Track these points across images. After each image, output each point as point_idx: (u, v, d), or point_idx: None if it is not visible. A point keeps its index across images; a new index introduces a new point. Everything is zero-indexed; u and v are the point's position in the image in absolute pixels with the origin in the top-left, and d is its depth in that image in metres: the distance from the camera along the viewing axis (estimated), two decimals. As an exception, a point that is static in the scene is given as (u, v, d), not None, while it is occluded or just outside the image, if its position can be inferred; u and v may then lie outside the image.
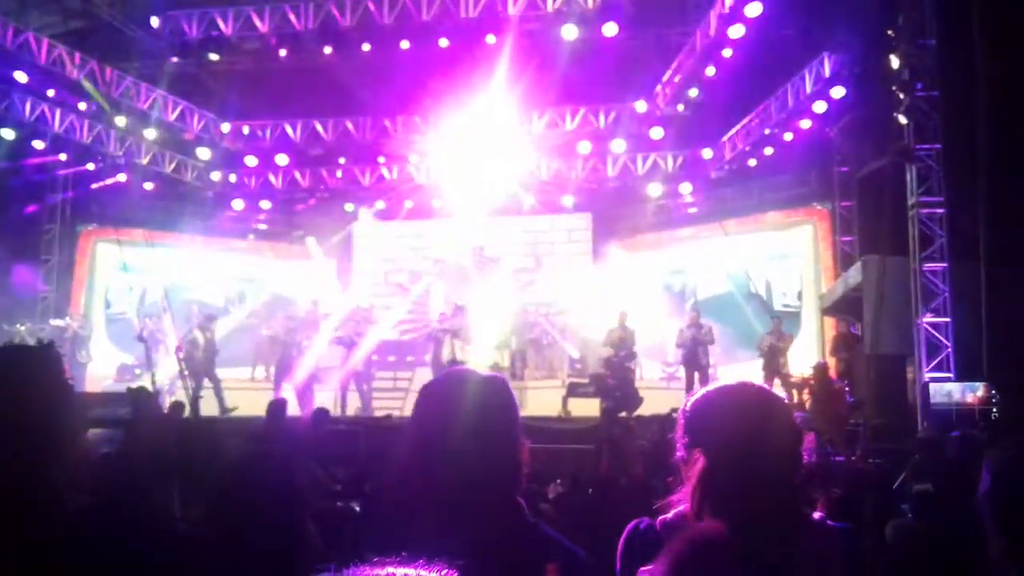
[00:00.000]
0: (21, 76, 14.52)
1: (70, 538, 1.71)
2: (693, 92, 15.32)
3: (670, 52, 15.83)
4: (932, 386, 10.93)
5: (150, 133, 16.95)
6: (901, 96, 11.66)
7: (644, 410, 12.16)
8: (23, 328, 14.30)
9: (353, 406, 14.82)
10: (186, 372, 13.44)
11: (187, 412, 10.99)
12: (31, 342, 10.46)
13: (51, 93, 15.37)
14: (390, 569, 0.77)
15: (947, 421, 9.95)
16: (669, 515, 1.85)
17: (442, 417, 1.64)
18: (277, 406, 8.76)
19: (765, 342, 14.12)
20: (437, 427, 1.63)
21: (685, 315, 14.84)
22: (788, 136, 15.17)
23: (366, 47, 15.51)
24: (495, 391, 1.72)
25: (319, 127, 18.28)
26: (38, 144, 16.00)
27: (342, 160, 19.07)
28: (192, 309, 16.67)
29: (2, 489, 1.68)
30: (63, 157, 16.72)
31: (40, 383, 1.78)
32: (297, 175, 19.43)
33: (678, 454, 1.89)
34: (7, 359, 1.85)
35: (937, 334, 11.49)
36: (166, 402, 13.06)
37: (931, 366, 11.36)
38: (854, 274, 13.14)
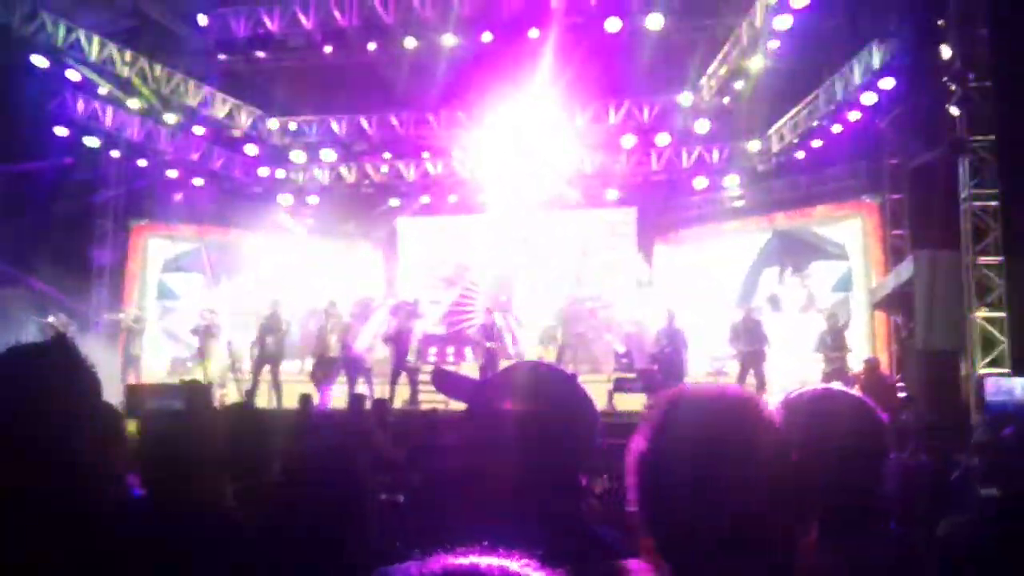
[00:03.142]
0: (73, 74, 14.82)
1: (116, 532, 1.72)
2: (739, 84, 15.17)
3: (715, 44, 15.69)
4: (989, 381, 10.72)
5: (199, 130, 17.23)
6: (953, 87, 11.43)
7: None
8: (53, 320, 14.59)
9: (400, 399, 14.91)
10: (239, 366, 13.66)
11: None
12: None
13: (103, 91, 15.67)
14: (474, 559, 0.77)
15: (1002, 417, 9.75)
16: None
17: (512, 408, 1.62)
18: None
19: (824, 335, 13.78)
20: (505, 419, 1.62)
21: (736, 310, 14.69)
22: (836, 128, 14.94)
23: (409, 42, 15.59)
24: (566, 384, 1.71)
25: (364, 122, 18.43)
26: (90, 141, 16.33)
27: (387, 155, 19.20)
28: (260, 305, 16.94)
29: (37, 488, 1.69)
30: (115, 154, 17.04)
31: (49, 379, 1.79)
32: (342, 170, 19.62)
33: None
34: (13, 358, 1.85)
35: (992, 329, 11.26)
36: (217, 395, 13.28)
37: (985, 361, 11.15)
38: (905, 269, 12.93)
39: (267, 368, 14.04)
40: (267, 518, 2.15)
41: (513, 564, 0.76)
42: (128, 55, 15.54)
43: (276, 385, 13.93)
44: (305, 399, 10.45)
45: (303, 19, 15.69)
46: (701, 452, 1.21)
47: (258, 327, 14.46)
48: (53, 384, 1.76)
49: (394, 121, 18.28)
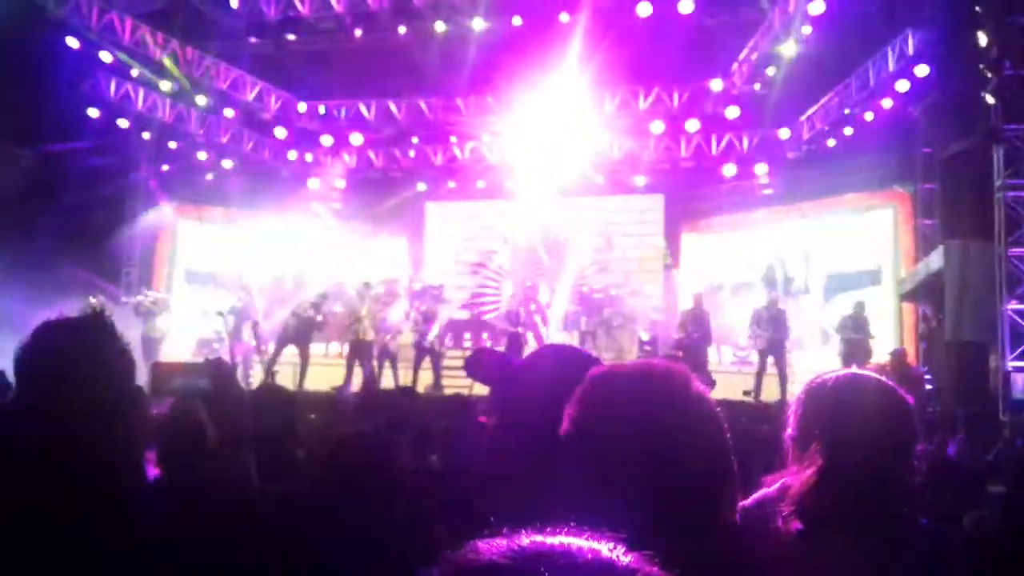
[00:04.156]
0: (106, 56, 14.95)
1: (144, 511, 1.74)
2: (771, 70, 15.02)
3: (746, 29, 15.54)
4: (1017, 377, 10.60)
5: (229, 113, 17.34)
6: (988, 75, 11.25)
7: (715, 394, 12.01)
8: (94, 301, 14.75)
9: (423, 384, 14.97)
10: (263, 347, 13.74)
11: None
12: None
13: (135, 73, 15.81)
14: (565, 540, 0.77)
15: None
16: (747, 501, 1.80)
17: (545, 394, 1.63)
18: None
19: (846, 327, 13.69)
20: (533, 404, 1.62)
21: (761, 298, 14.60)
22: (869, 116, 14.77)
23: (439, 26, 15.58)
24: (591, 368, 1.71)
25: (392, 107, 18.46)
26: (122, 123, 16.49)
27: (415, 140, 19.23)
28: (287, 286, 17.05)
29: (69, 462, 1.71)
30: (146, 136, 17.18)
31: (92, 351, 1.81)
32: (371, 154, 19.67)
33: (790, 435, 1.86)
34: (58, 330, 1.88)
35: (1022, 321, 11.12)
36: (243, 375, 13.39)
37: (1015, 354, 11.01)
38: (935, 259, 12.78)
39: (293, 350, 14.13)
40: (299, 499, 2.17)
41: (604, 547, 0.76)
42: (160, 37, 15.65)
43: (302, 366, 13.99)
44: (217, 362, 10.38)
45: (334, 2, 15.73)
46: (619, 428, 1.20)
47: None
48: (88, 357, 1.79)
49: (422, 106, 18.29)
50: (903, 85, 13.51)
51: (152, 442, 2.73)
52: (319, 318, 14.25)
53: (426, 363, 14.63)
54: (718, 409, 1.26)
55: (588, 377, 1.30)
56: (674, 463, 1.17)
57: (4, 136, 14.65)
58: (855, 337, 12.94)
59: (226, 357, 11.69)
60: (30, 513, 1.62)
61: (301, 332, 14.11)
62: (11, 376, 1.88)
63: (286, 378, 13.56)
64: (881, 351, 12.93)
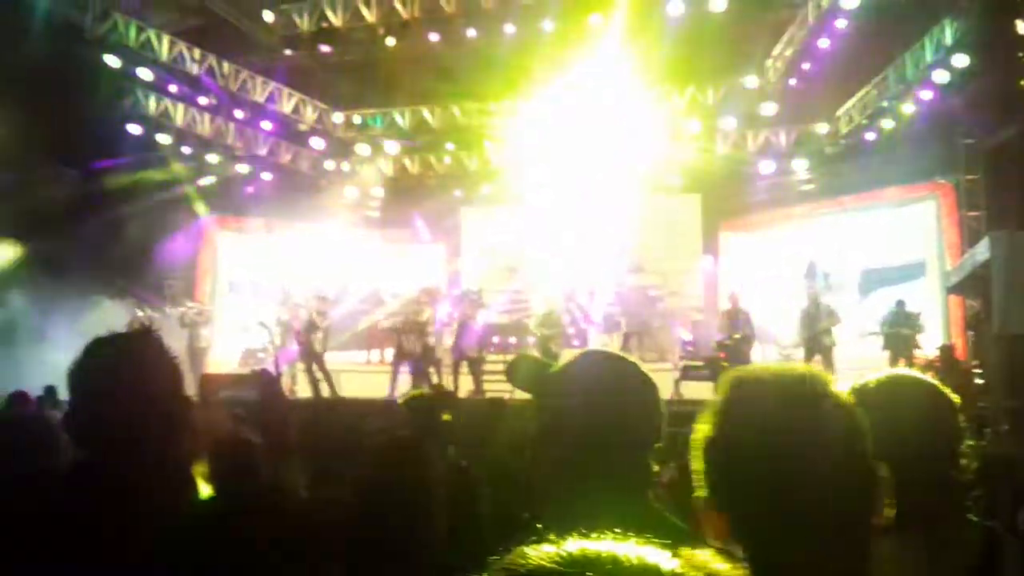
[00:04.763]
0: (145, 73, 15.21)
1: (195, 529, 1.75)
2: (806, 65, 14.87)
3: (780, 24, 15.41)
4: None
5: (267, 125, 17.56)
6: (1030, 62, 11.06)
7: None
8: (141, 315, 14.99)
9: (465, 389, 15.00)
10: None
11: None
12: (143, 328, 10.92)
13: (173, 89, 16.06)
14: (610, 545, 0.77)
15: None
16: None
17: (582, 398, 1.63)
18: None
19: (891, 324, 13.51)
20: (573, 408, 1.63)
21: (803, 295, 14.45)
22: (908, 107, 14.57)
23: (471, 32, 15.64)
24: (630, 372, 1.71)
25: (426, 113, 18.55)
26: (162, 138, 16.76)
27: (449, 146, 19.32)
28: (305, 295, 17.13)
29: (122, 479, 1.73)
30: (186, 150, 17.45)
31: (142, 366, 1.84)
32: (406, 162, 19.80)
33: None
34: (109, 346, 1.91)
35: (1073, 312, 10.87)
36: (286, 385, 13.50)
37: (1066, 347, 10.76)
38: (981, 251, 12.53)
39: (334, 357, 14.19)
40: (343, 511, 2.18)
41: (649, 551, 0.76)
42: (197, 52, 15.88)
43: (326, 377, 13.97)
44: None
45: (366, 12, 15.85)
46: (769, 433, 1.17)
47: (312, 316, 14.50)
48: (139, 372, 1.82)
49: (456, 111, 18.36)
50: (942, 76, 13.29)
51: (202, 456, 2.77)
52: (325, 323, 14.25)
53: (465, 368, 14.66)
54: (857, 411, 1.24)
55: (730, 385, 1.28)
56: (821, 473, 1.15)
57: (48, 155, 14.96)
58: (901, 332, 12.75)
59: (271, 367, 11.84)
60: (84, 531, 1.65)
61: (318, 348, 14.13)
62: (64, 392, 1.92)
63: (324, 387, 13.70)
64: (929, 346, 12.73)
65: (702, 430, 1.26)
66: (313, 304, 14.64)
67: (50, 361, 11.17)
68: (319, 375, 13.88)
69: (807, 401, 1.20)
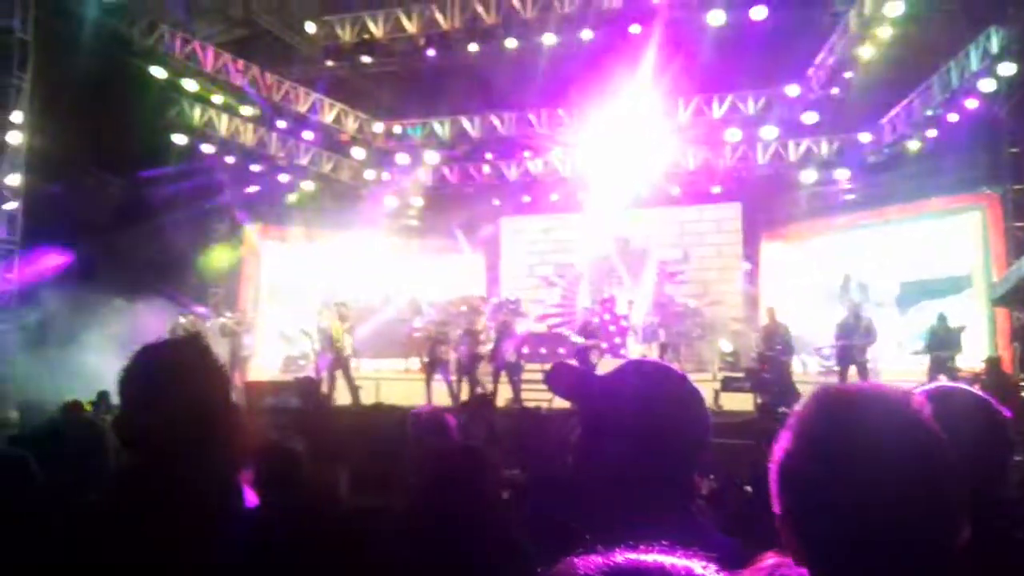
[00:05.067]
0: (190, 84, 15.45)
1: (242, 537, 1.76)
2: (849, 74, 14.72)
3: (822, 33, 15.27)
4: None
5: (308, 135, 17.76)
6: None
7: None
8: (184, 322, 15.17)
9: (503, 398, 14.99)
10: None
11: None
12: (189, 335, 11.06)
13: (218, 99, 16.30)
14: (659, 557, 0.78)
15: None
16: None
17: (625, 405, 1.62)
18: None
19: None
20: (617, 419, 1.62)
21: (843, 307, 14.26)
22: (953, 117, 14.34)
23: (510, 43, 15.69)
24: (677, 384, 1.70)
25: (466, 123, 18.64)
26: (206, 148, 17.01)
27: (489, 155, 19.39)
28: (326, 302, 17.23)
29: (170, 486, 1.75)
30: (230, 160, 17.68)
31: (191, 372, 1.87)
32: (445, 171, 19.90)
33: None
34: (157, 352, 1.94)
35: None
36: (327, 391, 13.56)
37: (1117, 359, 10.54)
38: (1029, 262, 12.34)
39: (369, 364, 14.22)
40: (394, 514, 2.19)
41: (697, 565, 0.77)
42: (241, 64, 16.11)
43: (349, 384, 13.96)
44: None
45: (407, 24, 15.99)
46: (855, 455, 1.11)
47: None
48: (188, 378, 1.85)
49: (496, 121, 18.43)
50: (988, 84, 13.08)
51: (248, 464, 2.80)
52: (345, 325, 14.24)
53: (504, 378, 14.64)
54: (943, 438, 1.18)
55: (818, 398, 1.21)
56: (918, 499, 1.11)
57: (95, 165, 15.24)
58: (941, 355, 12.49)
59: (313, 375, 11.93)
60: (130, 535, 1.67)
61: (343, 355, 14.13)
62: (115, 397, 1.96)
63: (368, 394, 13.77)
64: (974, 358, 12.50)
65: (782, 448, 1.20)
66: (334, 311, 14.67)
67: (90, 365, 11.39)
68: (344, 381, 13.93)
69: (902, 424, 1.15)
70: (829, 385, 1.27)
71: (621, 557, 0.76)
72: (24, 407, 11.68)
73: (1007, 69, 12.64)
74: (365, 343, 16.83)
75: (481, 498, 2.15)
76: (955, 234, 16.18)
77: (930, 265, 16.36)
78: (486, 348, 14.12)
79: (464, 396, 13.01)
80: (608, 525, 1.26)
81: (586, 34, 15.32)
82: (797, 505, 1.16)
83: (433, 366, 14.19)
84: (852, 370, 12.81)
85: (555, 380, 1.78)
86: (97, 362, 11.06)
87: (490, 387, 14.31)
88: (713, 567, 0.77)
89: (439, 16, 15.77)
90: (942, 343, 12.57)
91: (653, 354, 16.04)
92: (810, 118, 16.37)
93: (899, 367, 13.99)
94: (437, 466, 2.25)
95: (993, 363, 11.36)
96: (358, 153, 18.90)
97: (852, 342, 12.85)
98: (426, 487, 2.22)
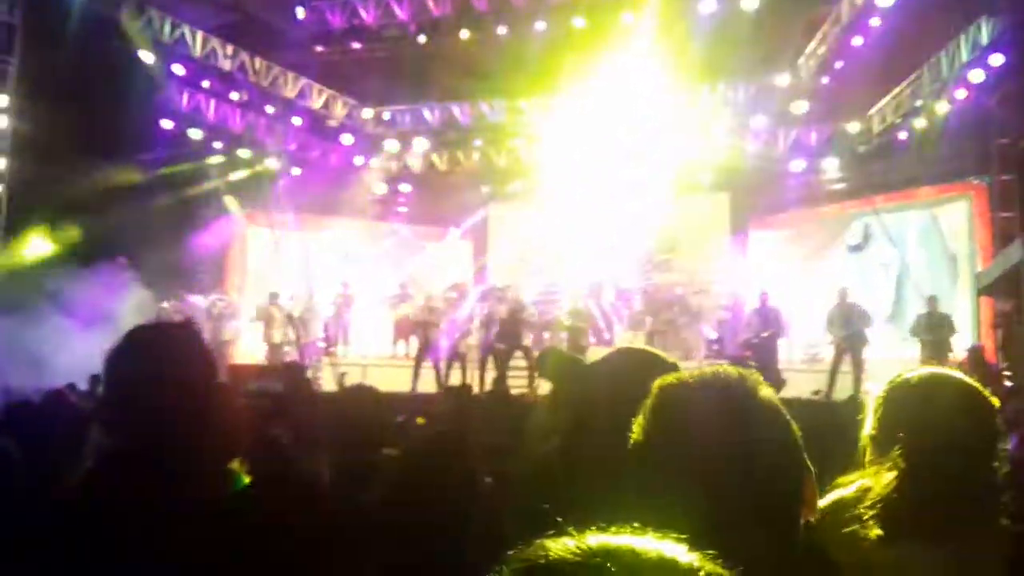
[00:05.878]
0: (178, 69, 15.37)
1: (229, 519, 1.76)
2: (839, 64, 14.75)
3: (814, 22, 15.29)
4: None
5: (297, 120, 17.68)
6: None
7: (785, 393, 11.82)
8: (168, 306, 15.12)
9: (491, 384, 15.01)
10: (332, 350, 13.92)
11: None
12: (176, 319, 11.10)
13: (206, 84, 16.21)
14: (630, 539, 0.78)
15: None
16: (822, 502, 1.77)
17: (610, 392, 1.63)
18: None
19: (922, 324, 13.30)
20: (602, 404, 1.63)
21: (832, 295, 14.31)
22: (942, 107, 14.40)
23: (501, 30, 15.65)
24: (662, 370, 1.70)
25: (455, 110, 18.59)
26: (194, 133, 16.91)
27: (478, 142, 19.35)
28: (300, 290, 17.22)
29: (156, 468, 1.74)
30: (217, 145, 17.60)
31: (179, 354, 1.86)
32: (434, 158, 19.84)
33: (869, 434, 1.82)
34: (150, 336, 1.93)
35: (1108, 316, 10.73)
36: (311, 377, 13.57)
37: (1100, 349, 10.63)
38: (1014, 251, 12.40)
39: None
40: (381, 507, 2.19)
41: (667, 546, 0.77)
42: (230, 49, 16.02)
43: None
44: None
45: (397, 10, 15.95)
46: (695, 436, 1.19)
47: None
48: (176, 360, 1.84)
49: (485, 108, 18.38)
50: (978, 75, 13.13)
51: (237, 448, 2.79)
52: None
53: (491, 364, 14.68)
54: (785, 412, 1.23)
55: (657, 389, 1.29)
56: (743, 471, 1.16)
57: (81, 149, 15.14)
58: (932, 339, 12.57)
59: (297, 360, 11.89)
60: (118, 518, 1.66)
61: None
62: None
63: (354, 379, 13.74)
64: (958, 347, 12.58)
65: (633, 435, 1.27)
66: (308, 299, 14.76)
67: (77, 346, 11.34)
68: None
69: (733, 403, 1.20)
70: (671, 377, 1.32)
71: (593, 538, 0.77)
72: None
73: (997, 60, 12.68)
74: (352, 329, 16.85)
75: (458, 483, 2.15)
76: (942, 223, 16.26)
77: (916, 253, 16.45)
78: (473, 335, 14.17)
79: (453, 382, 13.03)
80: (593, 508, 1.27)
81: (578, 22, 15.30)
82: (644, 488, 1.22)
83: (424, 352, 14.23)
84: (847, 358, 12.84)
85: (544, 365, 1.79)
86: (76, 342, 11.03)
87: (477, 373, 14.35)
88: (683, 547, 0.77)
89: (430, 3, 15.72)
90: (933, 326, 12.66)
91: (640, 341, 16.09)
92: (799, 107, 16.39)
93: (893, 354, 14.06)
94: (419, 449, 2.26)
95: (976, 352, 11.43)
96: (347, 139, 18.82)
97: (851, 331, 12.89)
98: (410, 469, 2.22)
